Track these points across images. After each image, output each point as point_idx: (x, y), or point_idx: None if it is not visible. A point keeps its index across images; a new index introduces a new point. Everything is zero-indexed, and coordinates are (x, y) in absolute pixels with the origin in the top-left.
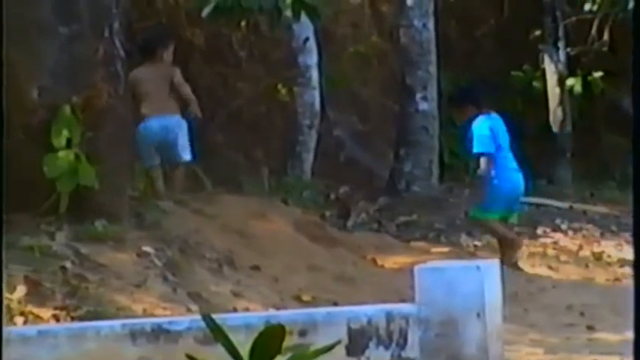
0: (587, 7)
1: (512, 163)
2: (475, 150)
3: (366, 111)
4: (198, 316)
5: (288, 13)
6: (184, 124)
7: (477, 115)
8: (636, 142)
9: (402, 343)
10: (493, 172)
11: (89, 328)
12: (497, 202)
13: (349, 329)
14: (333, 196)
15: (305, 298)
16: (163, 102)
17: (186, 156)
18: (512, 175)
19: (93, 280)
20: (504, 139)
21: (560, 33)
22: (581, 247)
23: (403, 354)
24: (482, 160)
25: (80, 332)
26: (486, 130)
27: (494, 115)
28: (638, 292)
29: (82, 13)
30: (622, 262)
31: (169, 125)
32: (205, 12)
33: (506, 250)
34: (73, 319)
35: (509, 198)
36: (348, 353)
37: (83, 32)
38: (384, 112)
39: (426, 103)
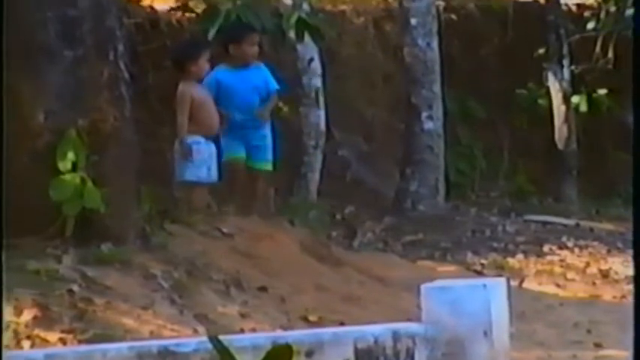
0: (590, 25)
1: None
2: (277, 87)
3: (371, 131)
4: (205, 338)
5: (292, 34)
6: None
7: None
8: (636, 146)
9: None
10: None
11: (96, 351)
12: None
13: (356, 349)
14: (339, 216)
15: (312, 318)
16: None
17: None
18: None
19: (99, 302)
20: None
21: (565, 51)
22: (588, 265)
23: None
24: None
25: (87, 355)
26: None
27: None
28: (637, 295)
29: (86, 37)
30: (629, 280)
31: None
32: (210, 35)
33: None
34: (80, 342)
35: None
36: None
37: (88, 55)
38: (389, 132)
39: (432, 122)
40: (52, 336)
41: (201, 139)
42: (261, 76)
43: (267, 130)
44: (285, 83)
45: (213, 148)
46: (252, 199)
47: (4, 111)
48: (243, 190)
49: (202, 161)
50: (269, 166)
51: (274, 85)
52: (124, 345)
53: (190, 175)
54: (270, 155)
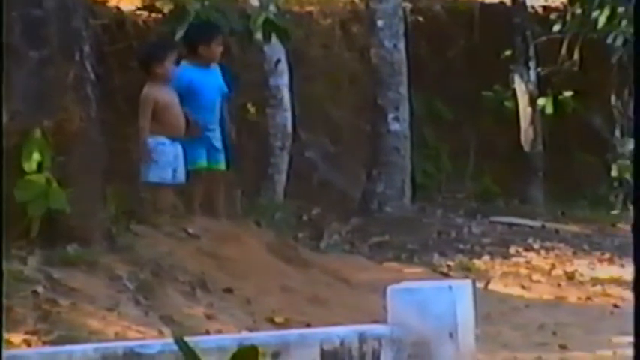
0: (556, 27)
1: None
2: (229, 91)
3: (338, 132)
4: (170, 339)
5: (259, 35)
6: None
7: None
8: (637, 147)
9: None
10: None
11: (61, 353)
12: None
13: (322, 350)
14: (305, 218)
15: (278, 319)
16: None
17: None
18: None
19: (65, 304)
20: None
21: (531, 53)
22: (553, 266)
23: None
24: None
25: (52, 357)
26: None
27: None
28: (637, 293)
29: (52, 37)
30: (594, 281)
31: None
32: (178, 35)
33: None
34: (44, 343)
35: None
36: None
37: (54, 56)
38: (356, 133)
39: (398, 123)
40: (16, 337)
41: (166, 141)
42: (219, 77)
43: (219, 132)
44: (230, 86)
45: (179, 149)
46: (215, 199)
47: (4, 113)
48: (206, 193)
49: (167, 163)
50: (224, 166)
51: (226, 88)
52: (89, 346)
53: (154, 177)
54: (224, 156)
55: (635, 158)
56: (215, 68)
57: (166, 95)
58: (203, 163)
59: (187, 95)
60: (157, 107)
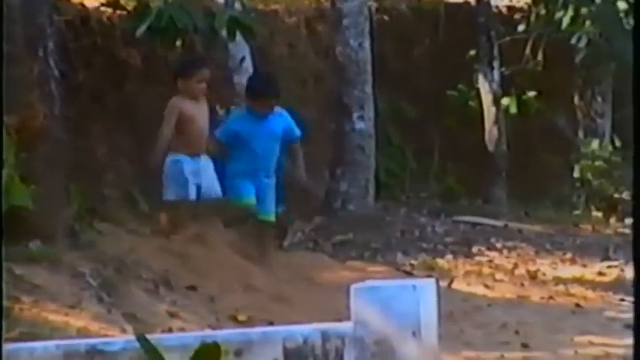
0: (521, 27)
1: None
2: (299, 134)
3: (302, 130)
4: (133, 337)
5: (224, 33)
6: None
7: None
8: (637, 148)
9: None
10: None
11: (22, 350)
12: None
13: (285, 349)
14: None
15: (241, 318)
16: None
17: None
18: None
19: (27, 301)
20: None
21: (495, 53)
22: (516, 266)
23: None
24: (299, 147)
25: (13, 354)
26: None
27: None
28: (637, 290)
29: (16, 33)
30: (557, 281)
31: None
32: (139, 31)
33: None
34: (6, 340)
35: None
36: None
37: (17, 52)
38: (320, 132)
39: (363, 122)
40: None
41: (182, 158)
42: (276, 125)
43: (274, 181)
44: (304, 126)
45: (201, 164)
46: (266, 250)
47: (4, 113)
48: (252, 238)
49: (184, 180)
50: (273, 218)
51: (297, 132)
52: (50, 343)
53: (171, 195)
54: (274, 206)
55: (635, 159)
56: (272, 116)
57: (192, 109)
58: (252, 199)
59: (237, 145)
60: (180, 118)
